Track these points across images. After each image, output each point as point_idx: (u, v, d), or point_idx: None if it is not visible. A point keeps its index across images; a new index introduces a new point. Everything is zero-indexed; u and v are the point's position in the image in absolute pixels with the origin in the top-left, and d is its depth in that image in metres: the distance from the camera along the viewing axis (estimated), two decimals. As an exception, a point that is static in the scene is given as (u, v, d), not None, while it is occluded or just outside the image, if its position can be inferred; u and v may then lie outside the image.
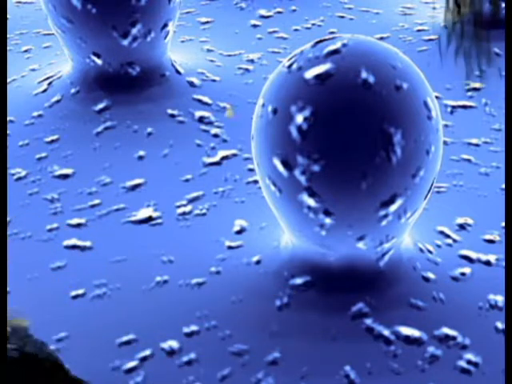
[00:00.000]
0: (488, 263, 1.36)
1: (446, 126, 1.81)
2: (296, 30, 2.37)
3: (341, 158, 1.15)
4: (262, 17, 2.47)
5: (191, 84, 2.00)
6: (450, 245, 1.41)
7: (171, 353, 1.20)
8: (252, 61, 2.16)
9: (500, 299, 1.28)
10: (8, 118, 1.88)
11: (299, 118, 1.17)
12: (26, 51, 2.28)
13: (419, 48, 2.21)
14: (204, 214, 1.51)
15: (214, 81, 2.03)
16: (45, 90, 1.99)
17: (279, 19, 2.45)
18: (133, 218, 1.52)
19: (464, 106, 1.90)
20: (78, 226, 1.50)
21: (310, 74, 1.19)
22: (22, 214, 1.54)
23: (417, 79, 1.22)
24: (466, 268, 1.35)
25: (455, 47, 2.21)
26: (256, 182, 1.61)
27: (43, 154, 1.74)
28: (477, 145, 1.74)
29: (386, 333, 1.21)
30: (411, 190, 1.20)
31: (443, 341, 1.20)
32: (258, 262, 1.36)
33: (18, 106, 1.94)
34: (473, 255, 1.38)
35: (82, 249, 1.44)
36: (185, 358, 1.19)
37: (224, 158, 1.71)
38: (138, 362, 1.18)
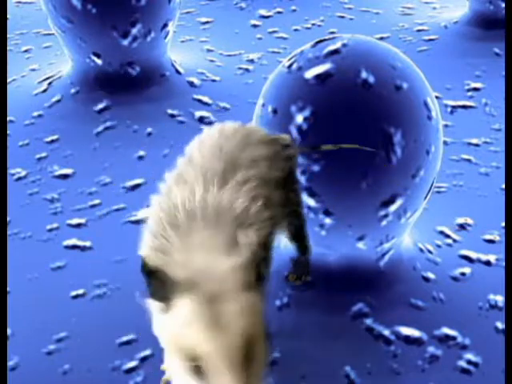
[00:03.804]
0: (488, 263, 1.36)
1: (446, 126, 1.81)
2: (296, 30, 2.37)
3: (341, 158, 1.15)
4: (262, 17, 2.47)
5: (191, 84, 2.00)
6: (449, 245, 1.41)
7: (171, 353, 1.19)
8: (252, 61, 2.16)
9: (500, 299, 1.28)
10: (8, 118, 1.88)
11: (299, 118, 1.17)
12: (26, 51, 2.28)
13: (419, 48, 2.21)
14: (204, 214, 1.51)
15: (214, 81, 2.03)
16: (45, 90, 1.99)
17: (279, 19, 2.45)
18: (133, 218, 1.51)
19: (464, 106, 1.90)
20: (78, 226, 1.50)
21: (310, 73, 1.19)
22: (22, 214, 1.54)
23: (417, 79, 1.22)
24: (466, 268, 1.35)
25: (455, 47, 2.21)
26: (256, 182, 1.61)
27: (43, 154, 1.74)
28: (477, 145, 1.74)
29: (386, 333, 1.21)
30: (411, 189, 1.20)
31: (443, 341, 1.20)
32: (257, 262, 1.36)
33: (17, 106, 1.94)
34: (473, 255, 1.38)
35: (82, 249, 1.44)
36: (185, 358, 1.18)
37: (224, 158, 1.70)
38: (138, 362, 1.18)
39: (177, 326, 0.75)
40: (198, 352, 0.74)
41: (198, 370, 0.74)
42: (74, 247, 1.44)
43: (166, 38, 1.99)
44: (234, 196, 0.91)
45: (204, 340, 0.73)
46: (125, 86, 1.97)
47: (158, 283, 0.77)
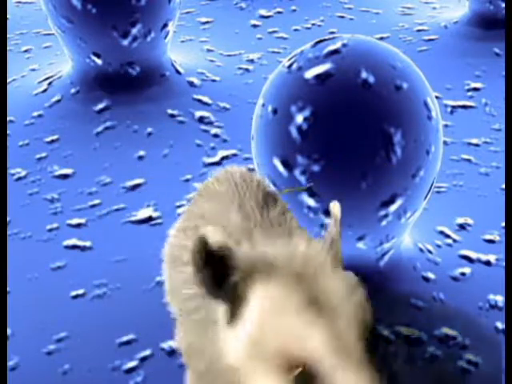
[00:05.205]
0: (488, 263, 1.36)
1: (446, 126, 1.81)
2: (296, 29, 2.37)
3: (341, 158, 1.15)
4: (262, 17, 2.47)
5: (191, 84, 2.00)
6: (449, 245, 1.41)
7: (171, 353, 1.20)
8: (252, 61, 2.16)
9: (500, 299, 1.28)
10: (8, 118, 1.88)
11: (299, 118, 1.17)
12: (26, 51, 2.28)
13: (419, 48, 2.21)
14: (204, 214, 1.51)
15: (214, 81, 2.03)
16: (45, 90, 1.99)
17: (279, 19, 2.45)
18: (133, 218, 1.52)
19: (464, 106, 1.90)
20: (78, 225, 1.50)
21: (310, 73, 1.19)
22: (22, 214, 1.54)
23: (417, 79, 1.22)
24: (466, 268, 1.35)
25: (455, 47, 2.21)
26: (256, 182, 1.61)
27: (43, 154, 1.74)
28: (477, 145, 1.74)
29: (386, 333, 1.21)
30: (411, 189, 1.20)
31: (443, 341, 1.20)
32: (258, 262, 1.36)
33: (17, 106, 1.94)
34: (473, 255, 1.38)
35: (82, 249, 1.44)
36: (185, 358, 1.18)
37: (224, 158, 1.71)
38: (138, 362, 1.18)
39: (261, 324, 0.51)
40: (300, 350, 0.51)
41: (301, 379, 0.51)
42: (74, 247, 1.44)
43: (166, 38, 1.99)
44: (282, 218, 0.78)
45: (311, 328, 0.52)
46: (125, 86, 1.97)
47: (225, 269, 0.54)
